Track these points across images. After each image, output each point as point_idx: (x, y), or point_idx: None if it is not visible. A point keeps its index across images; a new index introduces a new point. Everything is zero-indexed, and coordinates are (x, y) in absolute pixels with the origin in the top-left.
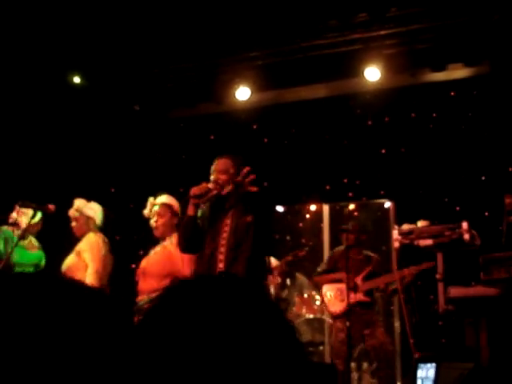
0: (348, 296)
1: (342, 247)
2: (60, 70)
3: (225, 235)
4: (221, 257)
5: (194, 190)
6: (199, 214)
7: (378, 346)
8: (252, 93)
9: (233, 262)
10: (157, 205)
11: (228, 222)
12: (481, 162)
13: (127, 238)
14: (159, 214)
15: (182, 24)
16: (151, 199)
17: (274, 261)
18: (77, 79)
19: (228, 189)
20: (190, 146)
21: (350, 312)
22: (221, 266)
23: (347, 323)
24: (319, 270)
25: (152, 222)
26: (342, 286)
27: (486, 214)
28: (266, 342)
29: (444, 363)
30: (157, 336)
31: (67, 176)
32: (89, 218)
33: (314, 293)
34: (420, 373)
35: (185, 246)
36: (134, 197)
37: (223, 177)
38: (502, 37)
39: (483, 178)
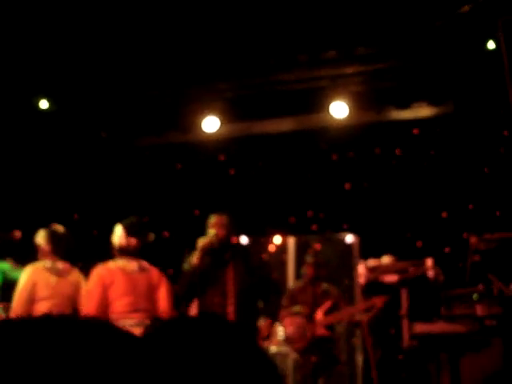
0: (309, 330)
1: (300, 282)
2: (27, 94)
3: (231, 288)
4: (231, 308)
5: (205, 244)
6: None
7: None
8: (220, 124)
9: (244, 314)
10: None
11: (231, 275)
12: (442, 199)
13: (90, 265)
14: None
15: (151, 52)
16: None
17: None
18: (44, 104)
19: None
20: (156, 175)
21: (314, 347)
22: (231, 315)
23: (312, 358)
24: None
25: None
26: (302, 320)
27: (447, 250)
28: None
29: None
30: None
31: (31, 202)
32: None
33: (277, 324)
34: None
35: (185, 295)
36: (98, 223)
37: (223, 231)
38: (465, 77)
39: (444, 215)
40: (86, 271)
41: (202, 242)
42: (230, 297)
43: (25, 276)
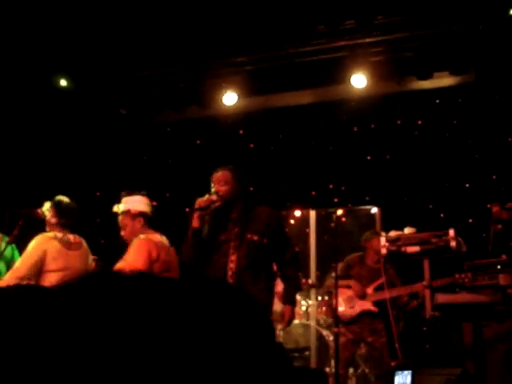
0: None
1: (357, 254)
2: (47, 72)
3: (233, 252)
4: (230, 273)
5: (200, 202)
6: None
7: (377, 357)
8: (239, 98)
9: (246, 278)
10: (119, 215)
11: (233, 237)
12: (465, 169)
13: (112, 242)
14: (122, 226)
15: (169, 28)
16: (115, 208)
17: None
18: (63, 82)
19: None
20: (176, 150)
21: (359, 319)
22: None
23: (354, 328)
24: (333, 275)
25: (121, 234)
26: (352, 294)
27: (470, 220)
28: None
29: (420, 370)
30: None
31: (53, 179)
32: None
33: (299, 298)
34: (397, 379)
35: (193, 260)
36: (120, 200)
37: (224, 188)
38: (487, 46)
39: (467, 185)
40: (108, 248)
41: (198, 201)
42: (231, 262)
43: (34, 243)
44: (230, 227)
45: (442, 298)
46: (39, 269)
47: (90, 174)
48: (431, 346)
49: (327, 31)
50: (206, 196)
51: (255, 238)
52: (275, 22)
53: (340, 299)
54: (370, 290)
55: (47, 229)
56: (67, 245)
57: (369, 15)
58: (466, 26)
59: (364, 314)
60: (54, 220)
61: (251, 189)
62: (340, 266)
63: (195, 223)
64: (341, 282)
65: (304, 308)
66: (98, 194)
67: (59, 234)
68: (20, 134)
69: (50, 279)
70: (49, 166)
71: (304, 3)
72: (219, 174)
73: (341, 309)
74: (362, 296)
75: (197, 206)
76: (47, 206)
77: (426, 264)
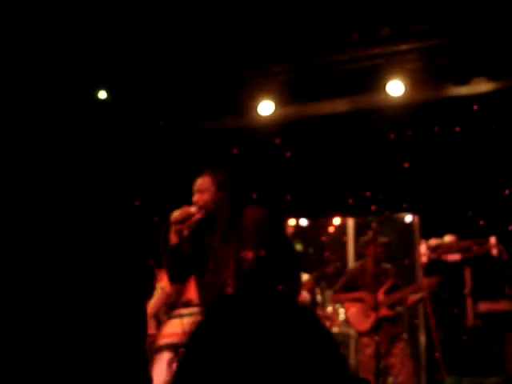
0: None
1: (357, 264)
2: (86, 84)
3: (230, 267)
4: (229, 289)
5: (175, 216)
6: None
7: (398, 363)
8: (275, 107)
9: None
10: None
11: (228, 250)
12: (505, 175)
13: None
14: None
15: (205, 38)
16: None
17: (304, 276)
18: (102, 94)
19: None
20: (213, 160)
21: (378, 327)
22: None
23: (376, 338)
24: (337, 287)
25: None
26: (364, 304)
27: (511, 227)
28: (312, 357)
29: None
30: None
31: (91, 191)
32: None
33: (337, 306)
34: None
35: (174, 278)
36: (159, 210)
37: (204, 197)
38: None
39: (507, 192)
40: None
41: (174, 214)
42: (229, 283)
43: None
44: (215, 242)
45: (483, 306)
46: None
47: (129, 184)
48: (472, 355)
49: (362, 39)
50: (183, 208)
51: (249, 254)
52: (310, 31)
53: (353, 311)
54: (380, 296)
55: None
56: None
57: (404, 22)
58: (502, 31)
59: (381, 321)
60: None
61: (289, 197)
62: (343, 279)
63: (173, 240)
64: (350, 295)
65: (343, 316)
66: (137, 203)
67: None
68: (58, 147)
69: None
70: (88, 178)
71: (338, 11)
72: (198, 181)
73: (355, 321)
74: (376, 306)
75: (172, 220)
76: None
77: (468, 272)
